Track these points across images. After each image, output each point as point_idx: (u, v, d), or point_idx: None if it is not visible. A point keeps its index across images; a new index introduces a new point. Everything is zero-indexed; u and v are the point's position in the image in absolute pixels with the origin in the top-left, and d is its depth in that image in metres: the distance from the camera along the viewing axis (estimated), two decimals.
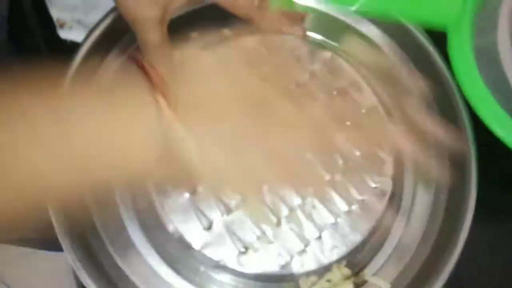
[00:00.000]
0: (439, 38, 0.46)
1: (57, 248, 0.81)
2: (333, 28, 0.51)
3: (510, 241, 0.51)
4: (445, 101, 0.47)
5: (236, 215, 0.43)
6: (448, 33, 0.44)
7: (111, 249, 0.45)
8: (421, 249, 0.46)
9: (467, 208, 0.44)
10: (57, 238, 0.43)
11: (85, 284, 0.42)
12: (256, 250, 0.43)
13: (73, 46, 0.48)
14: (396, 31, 0.49)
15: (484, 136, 0.44)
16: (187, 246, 0.43)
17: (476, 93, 0.42)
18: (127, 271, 0.45)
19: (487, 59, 0.42)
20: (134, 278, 0.45)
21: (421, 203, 0.48)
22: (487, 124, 0.42)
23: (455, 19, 0.43)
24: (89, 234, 0.45)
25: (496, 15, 0.43)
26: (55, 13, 0.51)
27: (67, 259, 0.42)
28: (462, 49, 0.43)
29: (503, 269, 0.51)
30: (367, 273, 0.46)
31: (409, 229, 0.47)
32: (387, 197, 0.45)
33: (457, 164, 0.47)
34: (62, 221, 0.42)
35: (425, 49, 0.48)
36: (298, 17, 0.49)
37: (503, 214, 0.52)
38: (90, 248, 0.44)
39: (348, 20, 0.50)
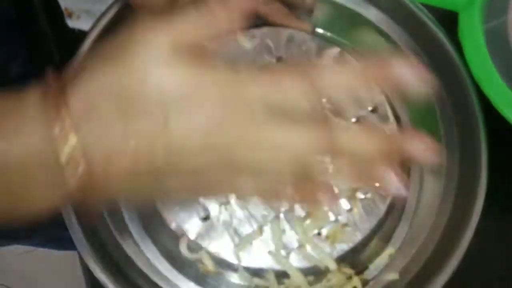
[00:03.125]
0: (450, 26, 0.45)
1: (61, 246, 0.80)
2: (343, 19, 0.50)
3: None
4: (456, 90, 0.46)
5: (234, 207, 0.42)
6: (459, 15, 0.43)
7: (117, 237, 0.44)
8: (429, 240, 0.45)
9: (477, 198, 0.43)
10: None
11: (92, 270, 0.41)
12: (253, 244, 0.41)
13: (81, 35, 0.47)
14: (407, 20, 0.48)
15: (495, 125, 0.43)
16: (183, 236, 0.42)
17: (486, 75, 0.41)
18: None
19: (497, 42, 0.42)
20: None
21: (429, 195, 0.47)
22: (496, 106, 0.41)
23: (467, 0, 0.42)
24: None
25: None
26: (63, 2, 0.51)
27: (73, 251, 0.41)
28: (472, 31, 0.42)
29: None
30: (371, 272, 0.44)
31: (417, 222, 0.46)
32: (390, 197, 0.43)
33: (468, 153, 0.45)
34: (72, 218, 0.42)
35: (436, 38, 0.46)
36: (306, 9, 0.49)
37: None
38: (96, 235, 0.43)
39: (358, 9, 0.49)
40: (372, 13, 0.50)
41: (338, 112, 0.44)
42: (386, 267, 0.45)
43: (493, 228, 0.47)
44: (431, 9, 0.47)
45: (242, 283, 0.43)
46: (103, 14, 0.47)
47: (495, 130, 0.44)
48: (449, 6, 0.44)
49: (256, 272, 0.41)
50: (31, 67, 0.54)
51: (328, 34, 0.51)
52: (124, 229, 0.44)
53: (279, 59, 0.46)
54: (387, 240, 0.46)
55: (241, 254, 0.41)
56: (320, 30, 0.50)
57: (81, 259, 0.42)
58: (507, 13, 0.42)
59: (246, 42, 0.46)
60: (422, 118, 0.50)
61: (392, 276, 0.44)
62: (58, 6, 0.52)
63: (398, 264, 0.45)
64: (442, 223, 0.46)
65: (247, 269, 0.41)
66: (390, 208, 0.44)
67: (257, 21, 0.48)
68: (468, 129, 0.45)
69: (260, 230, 0.42)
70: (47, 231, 0.68)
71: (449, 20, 0.45)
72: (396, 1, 0.48)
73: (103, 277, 0.41)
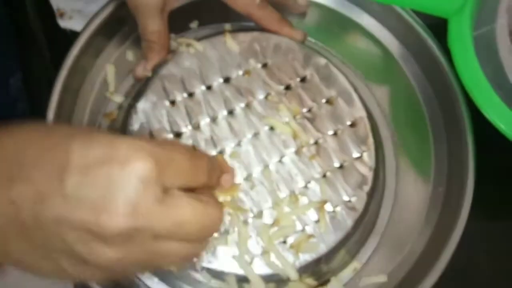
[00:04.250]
0: (439, 32, 0.45)
1: None
2: (334, 24, 0.50)
3: (505, 235, 0.51)
4: (445, 95, 0.46)
5: None
6: (448, 21, 0.43)
7: None
8: (418, 242, 0.46)
9: (464, 201, 0.44)
10: None
11: None
12: (218, 248, 0.42)
13: (73, 36, 0.48)
14: (396, 26, 0.48)
15: (483, 130, 0.43)
16: None
17: (474, 81, 0.42)
18: None
19: (486, 49, 0.42)
20: None
21: (416, 201, 0.48)
22: (484, 112, 0.42)
23: (456, 7, 0.43)
24: None
25: (496, 8, 0.42)
26: (56, 2, 0.52)
27: None
28: (462, 38, 0.42)
29: (499, 262, 0.51)
30: (333, 285, 0.45)
31: (403, 225, 0.47)
32: (359, 213, 0.43)
33: (455, 158, 0.46)
34: None
35: (426, 44, 0.47)
36: (298, 12, 0.49)
37: (499, 208, 0.51)
38: None
39: (349, 14, 0.50)
40: (363, 19, 0.50)
41: (315, 125, 0.45)
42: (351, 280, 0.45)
43: (480, 232, 0.48)
44: (422, 15, 0.48)
45: (204, 282, 0.43)
46: (96, 15, 0.48)
47: (483, 136, 0.44)
48: (439, 13, 0.44)
49: (218, 275, 0.42)
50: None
51: (319, 43, 0.51)
52: None
53: (264, 65, 0.46)
54: (353, 254, 0.46)
55: (204, 255, 0.42)
56: (309, 39, 0.50)
57: None
58: (495, 21, 0.42)
59: (234, 45, 0.46)
60: (411, 130, 0.50)
61: (381, 278, 0.45)
62: (49, 5, 0.52)
63: (387, 265, 0.46)
64: (430, 228, 0.46)
65: (209, 271, 0.42)
66: (358, 223, 0.44)
67: (248, 25, 0.48)
68: (456, 134, 0.46)
69: (226, 239, 0.42)
70: None
71: (439, 27, 0.45)
72: (387, 8, 0.48)
73: None
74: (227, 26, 0.50)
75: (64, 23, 0.52)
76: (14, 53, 0.54)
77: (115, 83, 0.49)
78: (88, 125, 0.48)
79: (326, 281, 0.45)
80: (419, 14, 0.47)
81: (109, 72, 0.48)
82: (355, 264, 0.46)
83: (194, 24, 0.50)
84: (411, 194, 0.48)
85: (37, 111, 0.51)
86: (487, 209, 0.50)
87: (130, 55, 0.50)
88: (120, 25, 0.49)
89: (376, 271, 0.46)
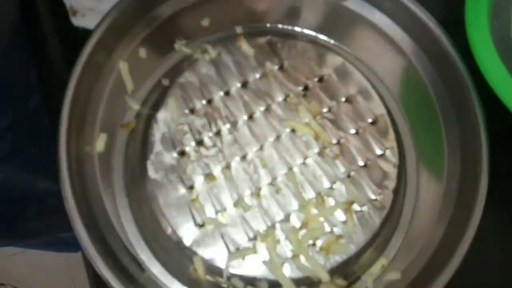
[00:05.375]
0: (452, 29, 0.45)
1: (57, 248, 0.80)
2: (346, 21, 0.50)
3: None
4: (458, 92, 0.46)
5: (230, 214, 0.42)
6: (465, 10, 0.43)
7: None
8: (429, 242, 0.45)
9: (478, 199, 0.43)
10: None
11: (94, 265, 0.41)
12: (247, 252, 0.42)
13: (86, 34, 0.47)
14: (408, 22, 0.48)
15: (497, 126, 0.43)
16: (178, 242, 0.42)
17: (495, 72, 0.42)
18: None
19: (504, 47, 0.42)
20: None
21: (428, 200, 0.47)
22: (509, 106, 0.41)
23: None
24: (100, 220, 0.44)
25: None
26: (68, 0, 0.51)
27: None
28: (481, 34, 0.42)
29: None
30: (363, 283, 0.45)
31: (413, 232, 0.46)
32: (386, 211, 0.43)
33: (469, 155, 0.46)
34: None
35: (439, 41, 0.46)
36: None
37: None
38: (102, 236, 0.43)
39: (361, 11, 0.49)
40: (375, 16, 0.49)
41: (336, 124, 0.45)
42: (378, 278, 0.45)
43: (494, 230, 0.48)
44: (435, 12, 0.47)
45: None
46: (109, 13, 0.47)
47: (497, 134, 0.44)
48: None
49: (250, 281, 0.42)
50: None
51: (332, 41, 0.50)
52: (122, 232, 0.44)
53: (280, 67, 0.46)
54: (381, 251, 0.46)
55: (235, 262, 0.42)
56: (323, 37, 0.50)
57: (85, 260, 0.42)
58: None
59: (249, 49, 0.46)
60: (424, 126, 0.50)
61: (394, 276, 0.45)
62: (61, 4, 0.52)
63: (400, 263, 0.45)
64: (443, 226, 0.46)
65: (240, 278, 0.42)
66: (385, 221, 0.44)
67: (260, 27, 0.48)
68: (469, 132, 0.45)
69: (255, 247, 0.42)
70: (52, 231, 0.68)
71: (451, 24, 0.45)
72: (399, 4, 0.48)
73: (109, 276, 0.41)
74: (239, 29, 0.49)
75: (77, 21, 0.52)
76: (27, 52, 0.54)
77: (131, 83, 0.48)
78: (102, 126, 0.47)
79: (356, 280, 0.45)
80: (432, 11, 0.47)
81: (122, 70, 0.48)
82: (382, 261, 0.45)
83: (206, 22, 0.49)
84: (426, 190, 0.48)
85: (50, 109, 0.51)
86: (502, 208, 0.50)
87: (143, 53, 0.49)
88: (132, 22, 0.48)
89: (397, 267, 0.46)
